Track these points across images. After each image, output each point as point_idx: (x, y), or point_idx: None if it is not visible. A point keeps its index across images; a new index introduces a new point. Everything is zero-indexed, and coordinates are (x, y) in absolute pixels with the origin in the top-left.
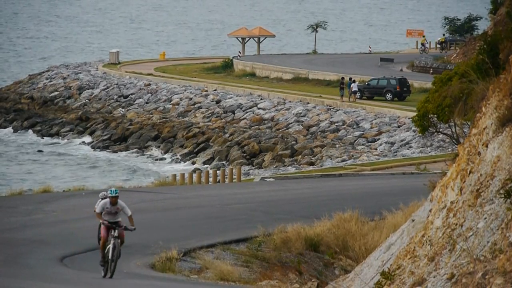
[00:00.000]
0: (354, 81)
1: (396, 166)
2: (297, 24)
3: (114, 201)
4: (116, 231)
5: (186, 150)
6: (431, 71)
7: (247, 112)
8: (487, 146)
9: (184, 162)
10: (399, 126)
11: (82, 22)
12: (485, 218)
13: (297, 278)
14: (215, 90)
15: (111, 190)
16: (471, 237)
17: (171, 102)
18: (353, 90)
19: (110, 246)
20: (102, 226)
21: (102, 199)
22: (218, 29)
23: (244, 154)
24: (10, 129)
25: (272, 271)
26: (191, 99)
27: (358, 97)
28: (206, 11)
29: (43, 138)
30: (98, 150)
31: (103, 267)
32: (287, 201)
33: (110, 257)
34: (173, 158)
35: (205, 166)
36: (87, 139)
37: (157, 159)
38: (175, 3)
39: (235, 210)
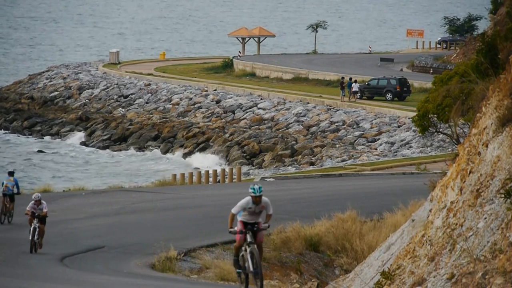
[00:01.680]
0: (355, 81)
1: (396, 166)
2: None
3: (258, 200)
4: (249, 235)
5: (186, 150)
6: (431, 71)
7: (247, 112)
8: (487, 146)
9: (185, 158)
10: (399, 126)
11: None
12: (485, 218)
13: (297, 278)
14: (215, 90)
15: (253, 188)
16: (471, 237)
17: (171, 102)
18: (353, 90)
19: (248, 255)
20: (238, 228)
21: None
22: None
23: (244, 154)
24: (10, 129)
25: (272, 271)
26: (191, 99)
27: (358, 97)
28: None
29: (43, 138)
30: (98, 150)
31: (242, 276)
32: (287, 201)
33: (251, 269)
34: (173, 158)
35: (205, 166)
36: (86, 138)
37: (157, 159)
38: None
39: None
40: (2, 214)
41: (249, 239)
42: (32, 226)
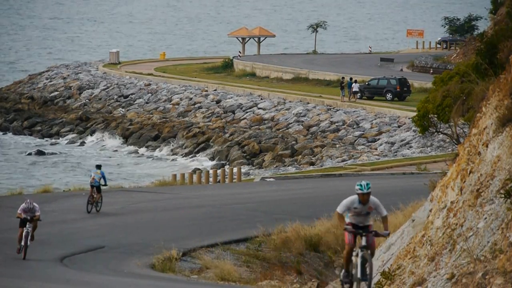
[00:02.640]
0: (355, 81)
1: (396, 166)
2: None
3: (365, 199)
4: (364, 238)
5: (186, 150)
6: (431, 71)
7: (247, 112)
8: (487, 146)
9: (185, 160)
10: (399, 126)
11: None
12: (485, 218)
13: (297, 278)
14: (215, 90)
15: (360, 185)
16: (471, 237)
17: (171, 102)
18: (353, 90)
19: (358, 260)
20: (347, 232)
21: None
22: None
23: (244, 154)
24: (10, 129)
25: (272, 271)
26: (191, 99)
27: (359, 97)
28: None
29: (43, 138)
30: (99, 150)
31: (347, 285)
32: (287, 201)
33: (359, 276)
34: (173, 158)
35: (205, 166)
36: (87, 139)
37: (157, 159)
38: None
39: (235, 210)
40: (89, 204)
41: (363, 243)
42: (24, 231)
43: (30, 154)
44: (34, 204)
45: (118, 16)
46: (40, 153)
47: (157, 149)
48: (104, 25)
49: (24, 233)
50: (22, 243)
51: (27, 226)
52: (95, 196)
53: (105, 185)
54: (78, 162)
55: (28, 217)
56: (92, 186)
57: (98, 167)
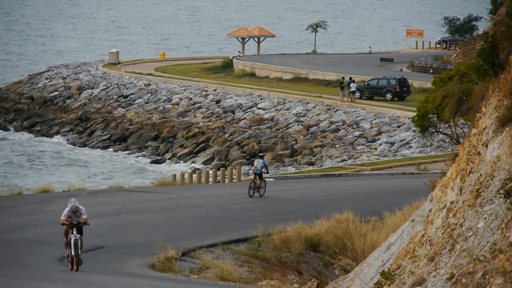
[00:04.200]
0: (353, 81)
1: (396, 166)
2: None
3: None
4: None
5: (186, 150)
6: (431, 71)
7: (247, 112)
8: (487, 146)
9: (185, 162)
10: (399, 126)
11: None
12: (485, 218)
13: (297, 278)
14: (215, 90)
15: None
16: (471, 237)
17: (171, 102)
18: (351, 90)
19: None
20: None
21: None
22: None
23: (244, 154)
24: (10, 129)
25: (272, 271)
26: (191, 99)
27: (358, 97)
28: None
29: (42, 138)
30: (98, 150)
31: None
32: (287, 201)
33: None
34: (173, 158)
35: (205, 166)
36: (87, 139)
37: (157, 159)
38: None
39: (235, 210)
40: (251, 189)
41: None
42: (73, 238)
43: (29, 154)
44: (80, 206)
45: (118, 16)
46: (39, 153)
47: (157, 150)
48: (104, 25)
49: (72, 241)
50: (72, 252)
51: (74, 232)
52: (257, 182)
53: (267, 172)
54: (78, 162)
55: (74, 222)
56: (254, 174)
57: (261, 157)
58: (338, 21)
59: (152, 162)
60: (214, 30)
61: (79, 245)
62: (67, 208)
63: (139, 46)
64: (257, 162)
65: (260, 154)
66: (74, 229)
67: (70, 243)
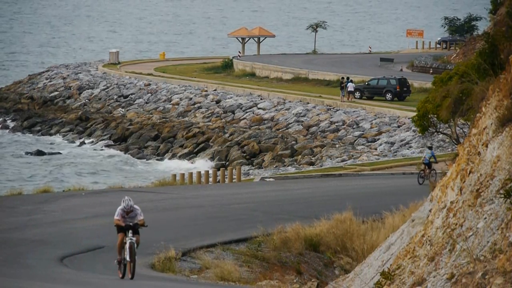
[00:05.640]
0: (351, 81)
1: (396, 166)
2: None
3: None
4: None
5: (186, 150)
6: (431, 71)
7: (247, 112)
8: (487, 146)
9: (185, 159)
10: (399, 126)
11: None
12: (485, 218)
13: (297, 278)
14: (215, 90)
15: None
16: (471, 237)
17: (171, 102)
18: (348, 90)
19: None
20: None
21: None
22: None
23: (244, 154)
24: (10, 129)
25: (272, 271)
26: (191, 99)
27: (358, 97)
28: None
29: (42, 138)
30: (98, 150)
31: None
32: (287, 201)
33: None
34: (172, 158)
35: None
36: (87, 139)
37: (157, 159)
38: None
39: (235, 210)
40: (420, 177)
41: None
42: (128, 241)
43: (29, 153)
44: (134, 206)
45: (117, 16)
46: (40, 153)
47: (157, 150)
48: (104, 25)
49: (128, 244)
50: (126, 257)
51: (129, 235)
52: (426, 171)
53: (436, 162)
54: (78, 162)
55: (131, 224)
56: (423, 164)
57: (430, 148)
58: (338, 21)
59: (149, 159)
60: (214, 30)
61: (135, 249)
62: (121, 207)
63: (139, 46)
64: (426, 153)
65: (429, 146)
66: (130, 231)
67: (125, 247)
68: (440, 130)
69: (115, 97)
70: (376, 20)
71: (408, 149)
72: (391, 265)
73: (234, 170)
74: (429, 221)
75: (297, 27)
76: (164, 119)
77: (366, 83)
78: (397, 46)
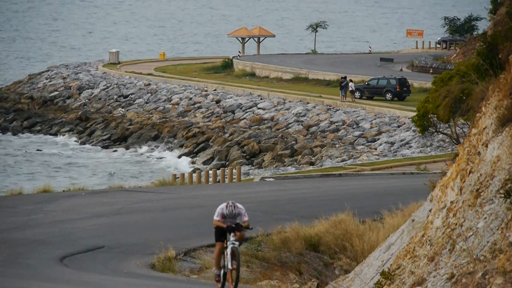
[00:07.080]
0: (350, 81)
1: (396, 166)
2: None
3: None
4: None
5: (186, 150)
6: (431, 71)
7: (247, 112)
8: (487, 146)
9: (182, 155)
10: (399, 126)
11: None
12: (485, 218)
13: (297, 278)
14: (215, 90)
15: None
16: (471, 237)
17: (171, 102)
18: (350, 89)
19: None
20: None
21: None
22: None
23: (244, 154)
24: (9, 129)
25: (272, 271)
26: (191, 99)
27: (358, 97)
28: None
29: (42, 138)
30: (98, 149)
31: None
32: (287, 201)
33: None
34: (172, 157)
35: (205, 166)
36: (87, 139)
37: (157, 159)
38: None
39: None
40: None
41: None
42: (230, 246)
43: (29, 153)
44: (238, 205)
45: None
46: (39, 153)
47: (157, 149)
48: (104, 24)
49: (229, 250)
50: (228, 264)
51: (230, 238)
52: None
53: None
54: (77, 162)
55: (233, 225)
56: None
57: None
58: (338, 20)
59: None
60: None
61: (239, 256)
62: (222, 206)
63: (140, 46)
64: None
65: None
66: (232, 234)
67: (225, 252)
68: (440, 130)
69: (115, 97)
70: (376, 20)
71: (408, 149)
72: (391, 265)
73: (234, 170)
74: (429, 221)
75: (297, 28)
76: (164, 119)
77: (366, 83)
78: (397, 46)
